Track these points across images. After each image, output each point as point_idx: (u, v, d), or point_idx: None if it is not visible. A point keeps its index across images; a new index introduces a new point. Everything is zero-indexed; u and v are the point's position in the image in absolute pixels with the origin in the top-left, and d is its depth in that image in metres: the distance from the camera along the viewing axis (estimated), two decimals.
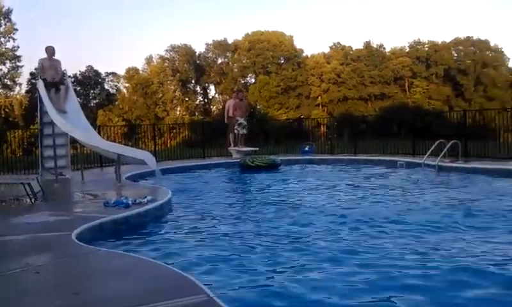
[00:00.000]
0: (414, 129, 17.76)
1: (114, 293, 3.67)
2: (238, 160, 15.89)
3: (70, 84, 13.52)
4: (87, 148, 13.42)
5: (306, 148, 18.86)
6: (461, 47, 54.26)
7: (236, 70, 56.22)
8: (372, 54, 54.03)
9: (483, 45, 53.61)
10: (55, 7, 66.68)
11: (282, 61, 54.94)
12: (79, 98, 12.51)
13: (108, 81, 57.82)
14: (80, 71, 54.30)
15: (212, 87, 58.80)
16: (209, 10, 72.73)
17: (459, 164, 12.60)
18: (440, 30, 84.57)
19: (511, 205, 7.69)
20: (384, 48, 55.43)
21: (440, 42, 54.29)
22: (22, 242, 5.54)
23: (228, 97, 53.69)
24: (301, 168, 15.44)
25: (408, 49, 55.33)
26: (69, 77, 13.68)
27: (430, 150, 13.59)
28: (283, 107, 52.92)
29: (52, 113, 11.50)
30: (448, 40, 54.57)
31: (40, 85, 12.41)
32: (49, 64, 12.53)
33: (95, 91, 56.67)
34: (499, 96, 50.79)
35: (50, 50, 12.66)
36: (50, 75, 12.33)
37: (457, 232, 6.15)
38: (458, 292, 4.06)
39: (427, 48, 54.43)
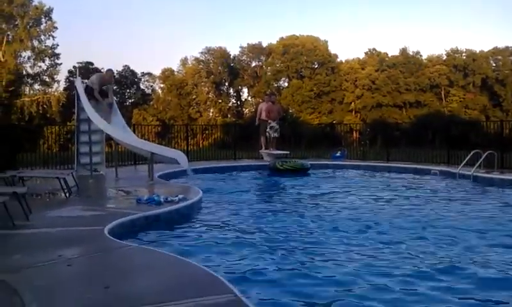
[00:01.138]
0: (449, 138, 17.41)
1: (143, 288, 3.72)
2: (268, 162, 15.89)
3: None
4: (121, 145, 13.64)
5: (338, 153, 18.72)
6: (499, 57, 52.98)
7: (269, 73, 56.25)
8: (408, 61, 53.27)
9: None
10: (95, 7, 68.17)
11: (316, 66, 54.69)
12: (115, 97, 12.73)
13: (144, 81, 58.78)
14: (117, 70, 55.29)
15: (245, 90, 59.04)
16: (245, 14, 73.11)
17: (494, 175, 12.29)
18: (478, 39, 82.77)
19: None
20: (420, 56, 54.64)
21: (477, 51, 53.18)
22: (56, 235, 5.66)
23: (260, 100, 53.94)
24: (331, 173, 15.34)
25: (445, 57, 54.36)
26: None
27: (465, 160, 13.30)
28: (315, 112, 52.65)
29: (89, 110, 11.75)
30: (486, 49, 53.43)
31: (78, 83, 12.70)
32: (107, 87, 12.74)
33: (131, 91, 57.61)
34: None
35: (110, 75, 12.94)
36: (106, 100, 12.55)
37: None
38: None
39: (464, 57, 53.36)
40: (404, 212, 8.25)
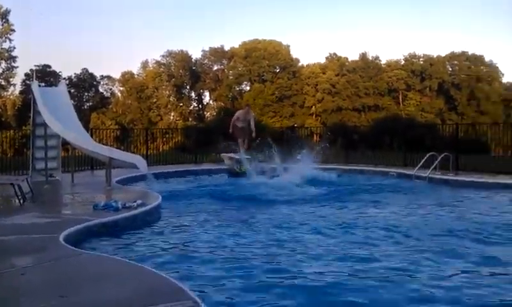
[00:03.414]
0: (406, 141, 17.80)
1: (100, 296, 3.65)
2: (227, 166, 15.86)
3: (65, 87, 13.49)
4: (78, 150, 13.36)
5: (298, 157, 18.82)
6: (455, 62, 54.76)
7: (231, 77, 56.34)
8: (367, 66, 54.37)
9: (478, 60, 54.17)
10: (52, 10, 66.63)
11: (278, 70, 55.12)
12: (72, 101, 12.50)
13: (103, 84, 57.86)
14: (75, 73, 54.29)
15: (206, 93, 58.91)
16: (206, 17, 72.88)
17: (449, 177, 12.65)
18: (436, 44, 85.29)
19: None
20: (379, 60, 55.94)
21: (435, 56, 54.76)
22: (9, 243, 5.49)
23: (222, 104, 53.88)
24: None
25: (403, 62, 55.73)
26: (64, 79, 13.62)
27: (421, 162, 13.63)
28: (277, 115, 53.03)
29: (46, 114, 11.45)
30: (443, 54, 55.08)
31: (35, 86, 12.37)
32: None
33: (89, 94, 56.59)
34: (492, 111, 51.24)
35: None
36: None
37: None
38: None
39: (422, 62, 54.90)
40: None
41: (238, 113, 17.38)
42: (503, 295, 4.28)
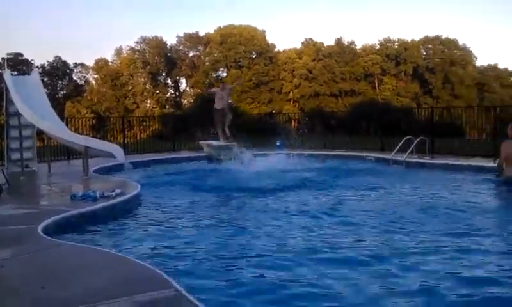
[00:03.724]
0: (382, 126, 17.99)
1: (81, 287, 3.63)
2: (206, 153, 15.82)
3: (38, 75, 13.24)
4: (54, 140, 13.16)
5: (278, 143, 18.89)
6: (430, 46, 55.34)
7: (208, 63, 56.01)
8: (343, 51, 54.60)
9: (452, 43, 54.84)
10: None
11: (254, 56, 54.99)
12: (46, 89, 12.27)
13: (76, 72, 56.88)
14: (48, 61, 53.25)
15: (183, 80, 58.50)
16: (180, 2, 72.09)
17: (425, 160, 12.86)
18: (410, 28, 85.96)
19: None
20: (355, 45, 56.20)
21: (409, 40, 55.26)
22: None
23: (199, 91, 53.56)
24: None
25: (378, 46, 56.11)
26: (36, 67, 13.37)
27: (398, 146, 13.81)
28: (255, 102, 53.00)
29: (19, 103, 11.24)
30: (417, 38, 55.62)
31: (7, 75, 12.11)
32: None
33: (63, 82, 55.63)
34: (466, 95, 52.10)
35: None
36: None
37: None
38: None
39: (396, 46, 55.36)
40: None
41: (214, 89, 17.30)
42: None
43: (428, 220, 6.64)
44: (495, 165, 10.05)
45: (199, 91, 54.80)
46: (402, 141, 13.82)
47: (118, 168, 12.31)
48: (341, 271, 4.53)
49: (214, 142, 16.75)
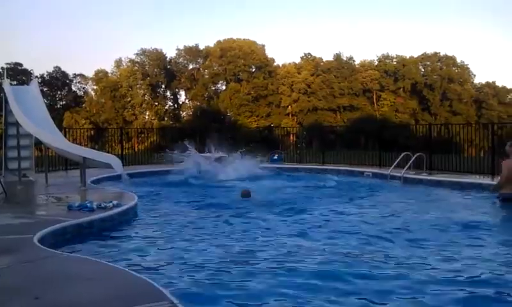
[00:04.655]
0: (381, 141, 18.03)
1: (75, 298, 3.60)
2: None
3: (37, 85, 13.27)
4: (52, 150, 13.15)
5: (275, 157, 18.94)
6: (428, 62, 55.68)
7: (207, 76, 56.18)
8: (342, 66, 54.87)
9: (450, 60, 55.18)
10: (23, 6, 65.39)
11: (253, 70, 55.17)
12: (45, 99, 12.31)
13: (76, 83, 56.96)
14: (47, 71, 53.38)
15: (182, 92, 58.57)
16: (181, 15, 72.51)
17: (423, 176, 12.87)
18: (409, 45, 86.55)
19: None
20: (353, 61, 56.49)
21: (408, 57, 55.58)
22: None
23: (198, 103, 53.71)
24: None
25: (376, 62, 56.41)
26: (36, 77, 13.42)
27: (396, 162, 13.82)
28: (253, 115, 53.10)
29: (18, 113, 11.25)
30: (416, 55, 55.93)
31: (6, 85, 12.15)
32: None
33: (62, 93, 55.69)
34: (464, 111, 52.33)
35: None
36: None
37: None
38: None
39: (395, 63, 55.66)
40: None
41: None
42: None
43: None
44: (494, 182, 10.04)
45: (198, 103, 54.97)
46: (400, 156, 13.85)
47: (116, 179, 12.28)
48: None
49: (212, 155, 16.76)
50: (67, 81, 55.67)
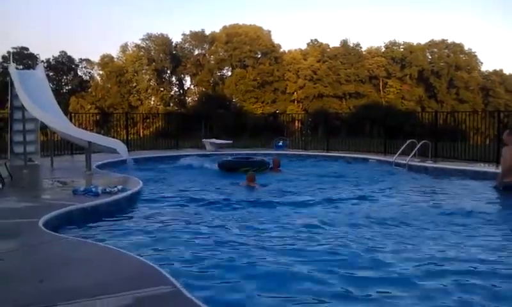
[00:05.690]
0: (386, 128, 17.98)
1: (79, 281, 3.64)
2: (210, 152, 15.87)
3: (43, 70, 13.28)
4: (57, 134, 13.20)
5: (280, 143, 18.95)
6: (435, 49, 55.18)
7: (213, 62, 55.96)
8: (348, 53, 54.50)
9: (457, 48, 54.65)
10: None
11: (259, 55, 54.89)
12: (51, 84, 12.34)
13: (81, 67, 56.87)
14: (53, 56, 53.29)
15: (188, 78, 58.41)
16: (187, 0, 72.04)
17: (428, 164, 12.84)
18: (416, 31, 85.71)
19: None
20: (360, 47, 56.05)
21: (415, 44, 55.10)
22: None
23: (203, 89, 53.61)
24: None
25: (383, 49, 56.01)
26: (41, 62, 13.43)
27: (401, 149, 13.80)
28: (258, 101, 52.96)
29: (23, 97, 11.28)
30: (423, 42, 55.46)
31: (12, 69, 12.18)
32: None
33: (68, 77, 55.66)
34: (471, 99, 51.96)
35: None
36: None
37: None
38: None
39: (402, 49, 55.20)
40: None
41: None
42: None
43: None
44: (499, 171, 10.00)
45: (203, 89, 54.85)
46: (406, 144, 13.82)
47: (121, 164, 12.33)
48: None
49: (217, 141, 16.84)
50: (73, 66, 55.59)
